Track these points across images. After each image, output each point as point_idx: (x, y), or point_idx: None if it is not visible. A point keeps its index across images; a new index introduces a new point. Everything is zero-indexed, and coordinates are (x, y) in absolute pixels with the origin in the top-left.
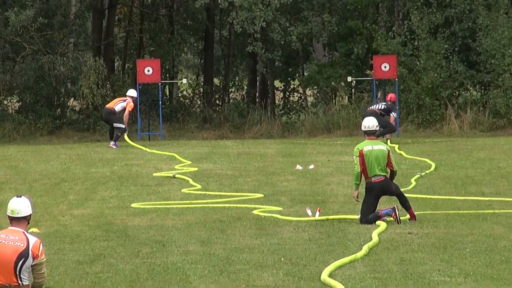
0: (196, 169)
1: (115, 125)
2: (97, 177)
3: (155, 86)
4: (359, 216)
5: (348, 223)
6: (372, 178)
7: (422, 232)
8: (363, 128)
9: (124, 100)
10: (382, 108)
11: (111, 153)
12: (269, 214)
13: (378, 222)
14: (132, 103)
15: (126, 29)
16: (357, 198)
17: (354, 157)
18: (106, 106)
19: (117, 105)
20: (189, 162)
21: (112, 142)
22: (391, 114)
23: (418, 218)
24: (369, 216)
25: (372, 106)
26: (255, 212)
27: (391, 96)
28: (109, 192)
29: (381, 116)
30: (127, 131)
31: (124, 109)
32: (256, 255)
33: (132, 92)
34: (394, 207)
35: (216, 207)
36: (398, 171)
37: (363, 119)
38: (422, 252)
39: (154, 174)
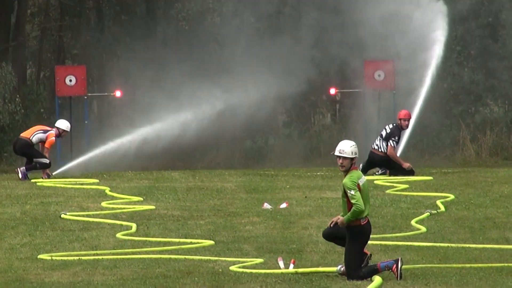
0: (153, 207)
1: (36, 160)
2: (4, 220)
3: (79, 101)
4: (339, 267)
5: (332, 279)
6: (362, 220)
7: None
8: (349, 155)
9: (45, 131)
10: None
11: (22, 188)
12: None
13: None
14: (54, 137)
15: (42, 26)
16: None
17: (352, 191)
18: (21, 135)
19: (34, 135)
20: (139, 199)
21: (22, 168)
22: (389, 143)
23: (423, 273)
24: (362, 270)
25: (375, 145)
26: (232, 268)
27: (405, 113)
28: (19, 239)
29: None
30: (50, 166)
31: (42, 142)
32: None
33: (62, 123)
34: (398, 259)
35: (159, 258)
36: (397, 212)
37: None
38: None
39: (64, 216)
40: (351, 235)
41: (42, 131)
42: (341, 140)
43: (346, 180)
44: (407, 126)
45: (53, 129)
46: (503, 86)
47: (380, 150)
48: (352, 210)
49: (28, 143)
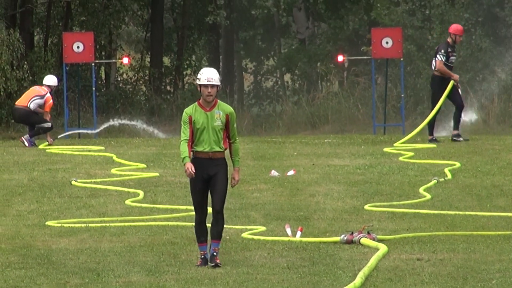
0: (157, 174)
1: (38, 126)
2: (11, 186)
3: (87, 68)
4: (343, 236)
5: (338, 247)
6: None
7: (435, 258)
8: (218, 82)
9: (42, 96)
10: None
11: (29, 155)
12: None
13: (372, 244)
14: (51, 100)
15: None
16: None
17: (235, 124)
18: (17, 104)
19: (32, 102)
20: (143, 166)
21: (26, 136)
22: (436, 58)
23: (430, 240)
24: None
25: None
26: (244, 235)
27: (455, 28)
28: (27, 206)
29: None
30: (52, 129)
31: (40, 107)
32: None
33: (49, 80)
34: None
35: (167, 225)
36: (404, 179)
37: None
38: (435, 285)
39: (74, 182)
40: (224, 170)
41: (39, 97)
42: (348, 108)
43: (233, 111)
44: (459, 41)
45: (46, 90)
46: (510, 54)
47: (434, 69)
48: (237, 147)
49: (27, 112)
